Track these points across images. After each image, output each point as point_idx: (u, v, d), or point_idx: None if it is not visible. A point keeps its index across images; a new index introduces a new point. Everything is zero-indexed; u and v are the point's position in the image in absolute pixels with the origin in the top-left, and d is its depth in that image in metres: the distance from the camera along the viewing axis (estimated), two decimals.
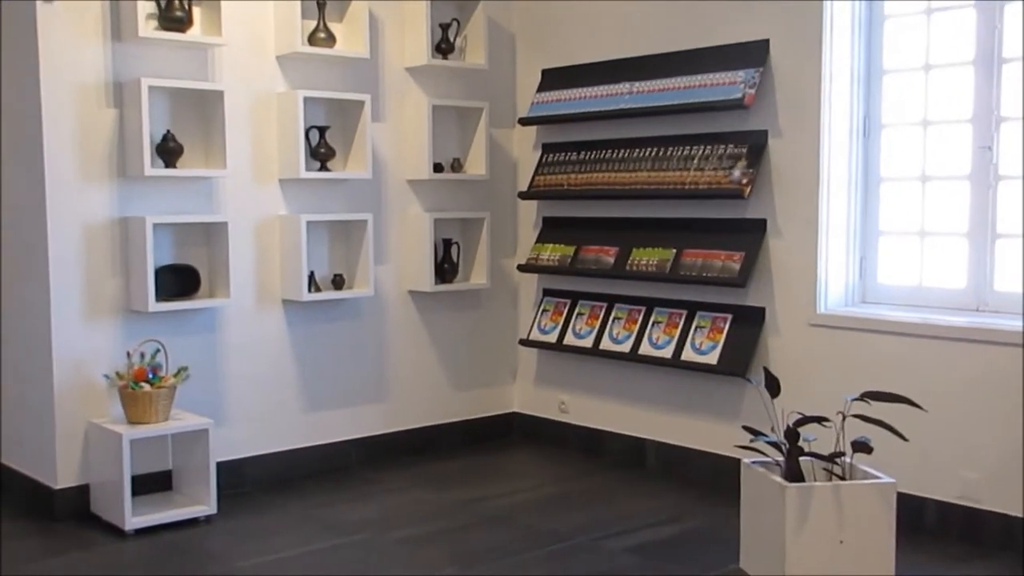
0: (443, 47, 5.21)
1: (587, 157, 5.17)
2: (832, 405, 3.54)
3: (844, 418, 3.42)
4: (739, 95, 4.45)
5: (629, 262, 4.92)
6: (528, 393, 5.65)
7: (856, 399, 3.44)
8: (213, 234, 4.51)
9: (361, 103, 4.85)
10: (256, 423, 4.74)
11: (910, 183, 4.30)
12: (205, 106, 4.49)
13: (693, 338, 4.71)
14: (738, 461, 3.65)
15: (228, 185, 4.60)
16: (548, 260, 5.30)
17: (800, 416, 3.45)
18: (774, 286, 4.50)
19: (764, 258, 4.51)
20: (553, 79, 5.37)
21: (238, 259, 4.60)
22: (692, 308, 4.77)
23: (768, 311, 4.52)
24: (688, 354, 4.70)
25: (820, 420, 3.42)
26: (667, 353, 4.77)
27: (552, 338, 5.30)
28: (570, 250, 5.22)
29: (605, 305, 5.15)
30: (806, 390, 4.19)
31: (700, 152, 4.68)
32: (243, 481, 4.69)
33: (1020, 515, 3.78)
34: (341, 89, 4.91)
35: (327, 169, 4.84)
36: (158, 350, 4.25)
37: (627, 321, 5.02)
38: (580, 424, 5.36)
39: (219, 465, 4.39)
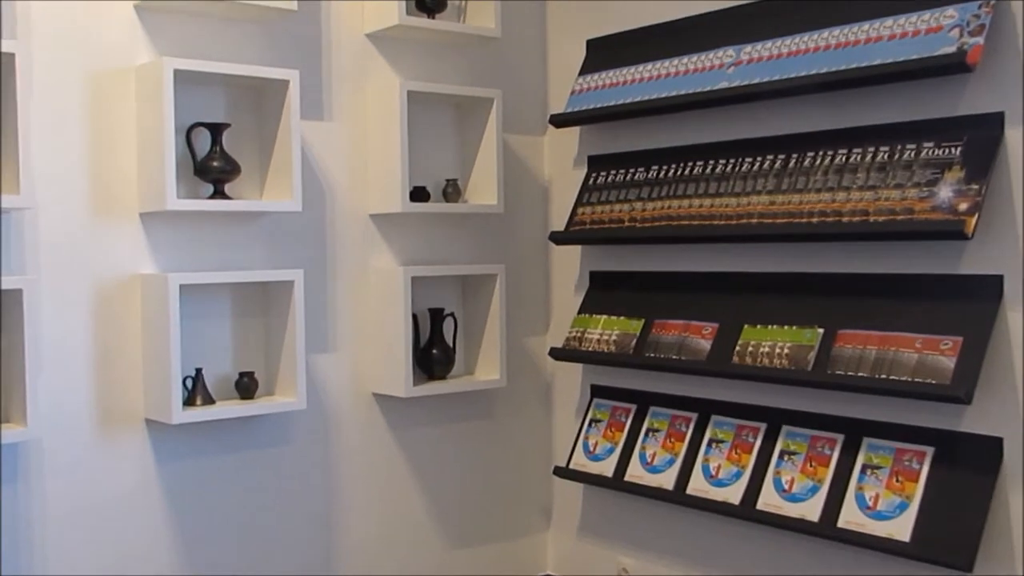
0: (428, 2, 3.26)
1: (663, 175, 3.18)
2: None
3: None
4: (951, 48, 2.42)
5: (738, 349, 2.89)
6: (569, 549, 3.65)
7: None
8: (3, 309, 2.55)
9: (283, 85, 2.89)
10: None
11: None
12: None
13: (859, 487, 2.65)
14: None
15: (36, 224, 2.64)
16: (600, 342, 3.29)
17: None
18: (1021, 399, 2.42)
19: (1000, 347, 2.45)
20: (606, 53, 3.40)
21: (55, 353, 2.64)
22: (855, 433, 2.73)
23: (1008, 445, 2.44)
24: (850, 515, 2.64)
25: None
26: (809, 511, 2.72)
27: (606, 468, 3.28)
28: (636, 326, 3.22)
29: (695, 418, 3.12)
30: None
31: (871, 157, 2.65)
32: None
33: None
34: (249, 61, 2.96)
35: (224, 196, 2.87)
36: None
37: (734, 449, 2.97)
38: None
39: None
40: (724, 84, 2.95)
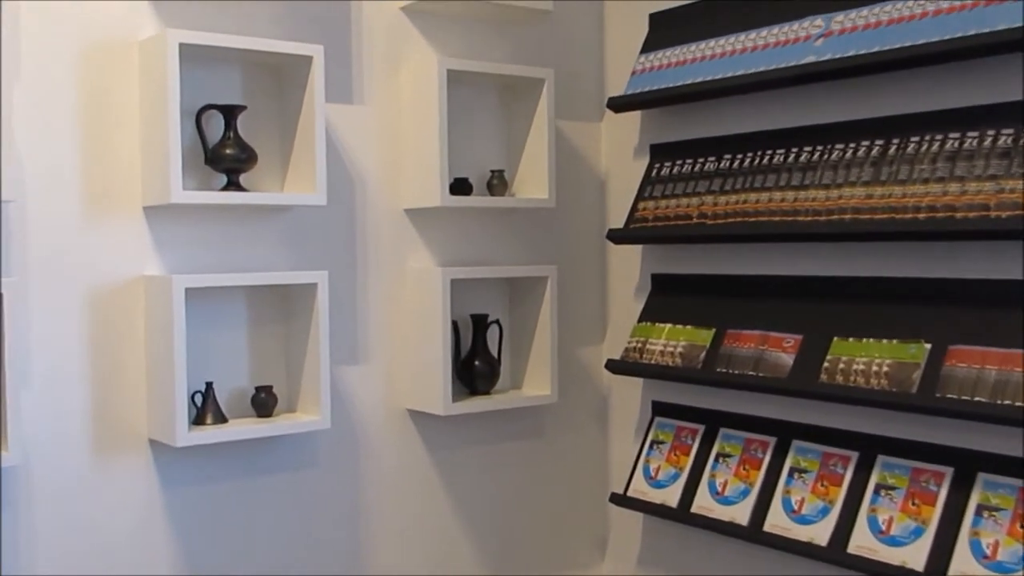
0: None
1: (738, 165, 2.84)
2: None
3: None
4: None
5: (827, 365, 2.52)
6: None
7: None
8: None
9: (306, 62, 2.57)
10: None
11: None
12: None
13: (973, 532, 2.26)
14: None
15: (24, 220, 2.35)
16: (664, 354, 2.95)
17: None
18: None
19: None
20: (671, 28, 3.07)
21: (45, 367, 2.36)
22: (968, 466, 2.36)
23: None
24: (963, 564, 2.27)
25: None
26: (912, 557, 2.35)
27: (670, 496, 2.93)
28: (706, 336, 2.88)
29: (773, 443, 2.76)
30: None
31: (992, 142, 2.27)
32: None
33: None
34: (268, 35, 2.66)
35: (239, 187, 2.56)
36: None
37: (820, 480, 2.60)
38: None
39: None
40: (811, 59, 2.57)
